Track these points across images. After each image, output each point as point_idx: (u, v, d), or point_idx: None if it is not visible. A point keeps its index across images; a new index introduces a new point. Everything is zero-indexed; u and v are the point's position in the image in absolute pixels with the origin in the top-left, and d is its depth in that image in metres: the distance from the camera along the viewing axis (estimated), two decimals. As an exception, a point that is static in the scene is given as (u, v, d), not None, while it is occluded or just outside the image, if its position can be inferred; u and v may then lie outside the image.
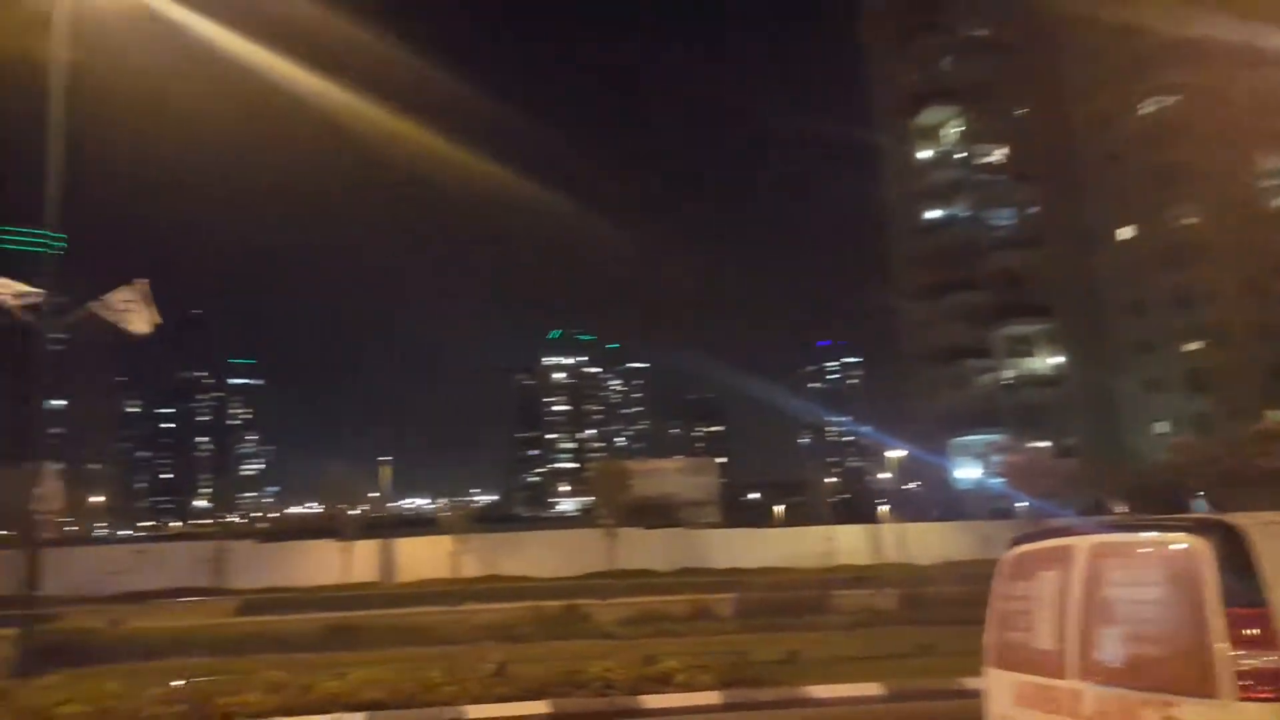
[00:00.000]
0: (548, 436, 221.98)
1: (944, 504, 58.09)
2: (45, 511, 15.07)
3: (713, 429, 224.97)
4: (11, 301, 15.06)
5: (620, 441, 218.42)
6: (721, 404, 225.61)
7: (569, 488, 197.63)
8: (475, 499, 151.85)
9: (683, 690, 10.47)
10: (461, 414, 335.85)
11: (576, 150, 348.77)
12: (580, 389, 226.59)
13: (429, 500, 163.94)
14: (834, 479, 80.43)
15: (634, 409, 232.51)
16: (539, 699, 10.10)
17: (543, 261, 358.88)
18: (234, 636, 16.56)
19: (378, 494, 45.41)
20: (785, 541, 37.45)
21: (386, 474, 49.56)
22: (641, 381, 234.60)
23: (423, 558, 36.17)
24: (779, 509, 66.96)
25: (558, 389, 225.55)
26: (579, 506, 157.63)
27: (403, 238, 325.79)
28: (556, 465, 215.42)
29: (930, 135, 68.53)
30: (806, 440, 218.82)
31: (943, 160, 67.97)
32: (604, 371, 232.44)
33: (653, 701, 10.19)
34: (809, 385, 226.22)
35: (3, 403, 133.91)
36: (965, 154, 66.55)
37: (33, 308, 15.16)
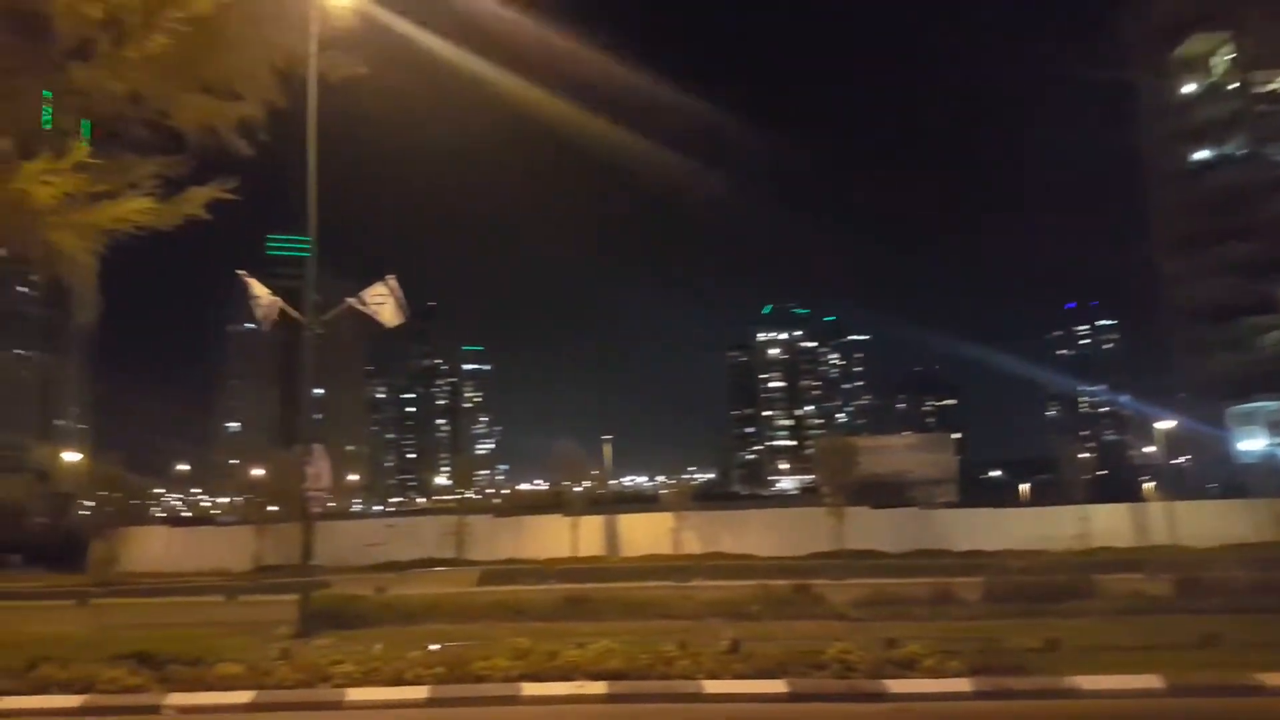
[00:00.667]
0: (764, 414, 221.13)
1: (1223, 480, 52.26)
2: (317, 489, 16.88)
3: (944, 403, 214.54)
4: (271, 312, 17.02)
5: (841, 418, 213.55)
6: (954, 376, 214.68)
7: (787, 465, 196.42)
8: (692, 477, 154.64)
9: (929, 676, 10.02)
10: (677, 393, 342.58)
11: (791, 111, 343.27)
12: (796, 364, 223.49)
13: (647, 478, 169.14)
14: (1087, 454, 74.22)
15: (855, 384, 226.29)
16: (775, 678, 10.04)
17: (755, 235, 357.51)
18: (479, 604, 17.85)
19: (599, 471, 47.30)
20: (1034, 522, 35.08)
21: (608, 452, 51.44)
22: (862, 355, 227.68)
23: (645, 534, 37.33)
24: (1024, 487, 62.89)
25: (773, 365, 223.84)
26: (799, 485, 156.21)
27: (617, 221, 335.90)
28: (774, 443, 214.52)
29: (1195, 67, 61.06)
30: (1054, 412, 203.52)
31: (1211, 93, 60.45)
32: (821, 345, 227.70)
33: (896, 686, 9.84)
34: (1056, 353, 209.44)
35: (275, 393, 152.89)
36: (1238, 84, 58.67)
37: (289, 309, 17.08)
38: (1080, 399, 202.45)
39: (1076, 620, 14.67)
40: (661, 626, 14.61)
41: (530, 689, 10.06)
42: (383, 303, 17.20)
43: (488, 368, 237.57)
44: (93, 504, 40.34)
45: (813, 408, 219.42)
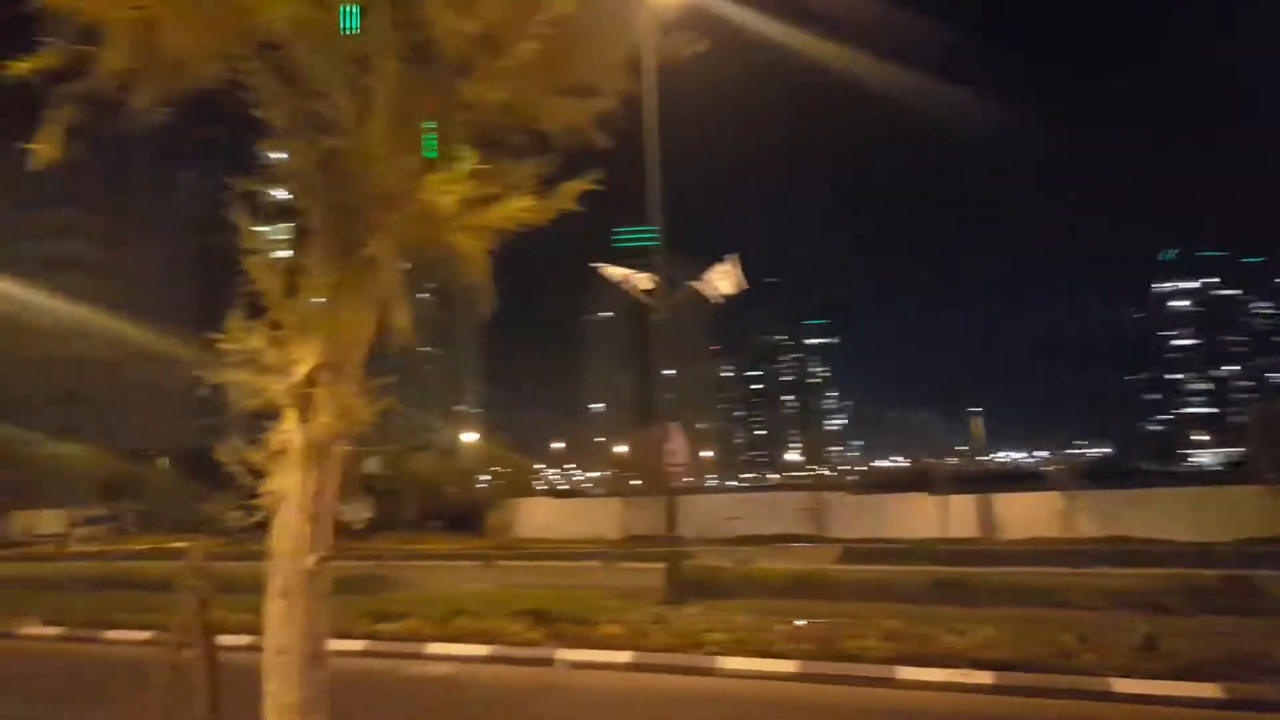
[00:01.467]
0: (1170, 377, 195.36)
1: None
2: (677, 464, 18.09)
3: None
4: (635, 288, 18.54)
5: (1277, 377, 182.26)
6: None
7: (1206, 436, 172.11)
8: (1082, 452, 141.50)
9: None
10: (1059, 360, 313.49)
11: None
12: (1211, 317, 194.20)
13: (1025, 454, 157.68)
14: None
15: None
16: (1203, 680, 8.94)
17: (1150, 176, 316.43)
18: (842, 582, 17.87)
19: (966, 447, 45.07)
20: None
21: (977, 426, 48.84)
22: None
23: (1026, 514, 34.90)
24: None
25: (1179, 320, 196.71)
26: (1223, 459, 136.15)
27: (971, 179, 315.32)
28: (1185, 411, 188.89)
29: None
30: None
31: None
32: (1245, 293, 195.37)
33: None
34: None
35: (631, 375, 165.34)
36: None
37: (648, 292, 18.46)
38: None
39: None
40: (1053, 615, 13.63)
41: (906, 673, 9.92)
42: (723, 279, 18.20)
43: (835, 341, 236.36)
44: (487, 478, 46.70)
45: (1238, 367, 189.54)
